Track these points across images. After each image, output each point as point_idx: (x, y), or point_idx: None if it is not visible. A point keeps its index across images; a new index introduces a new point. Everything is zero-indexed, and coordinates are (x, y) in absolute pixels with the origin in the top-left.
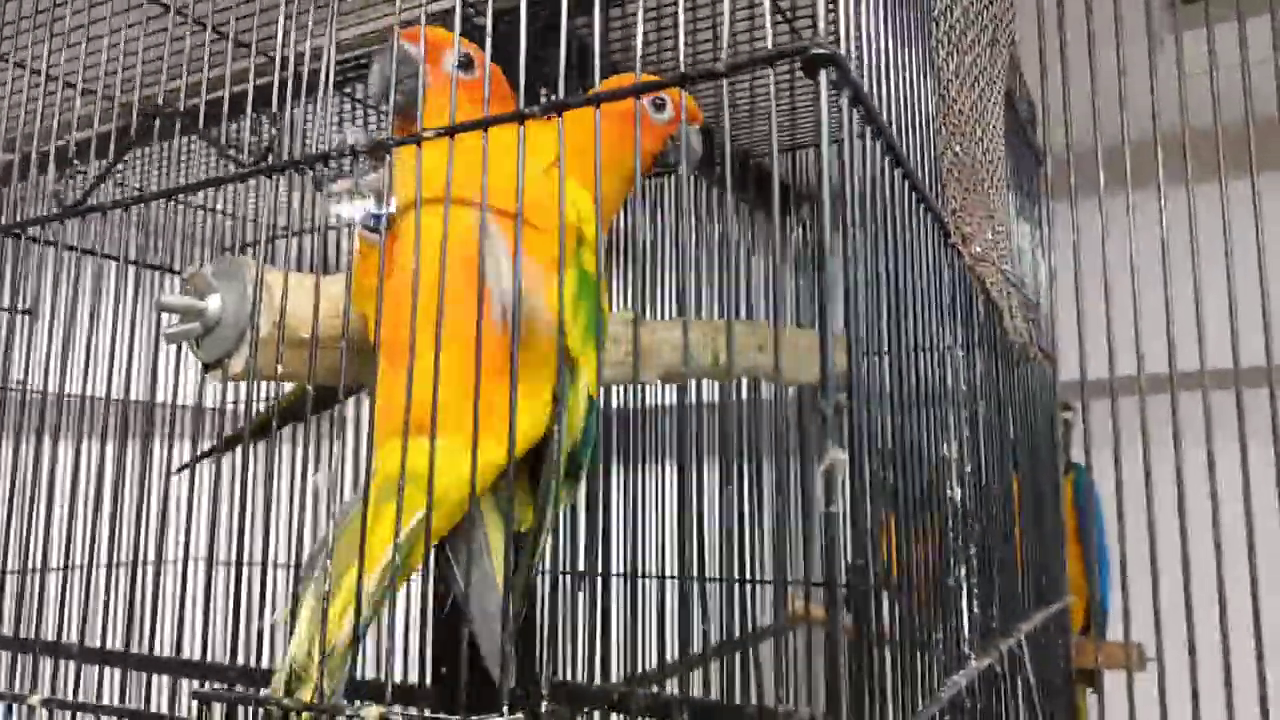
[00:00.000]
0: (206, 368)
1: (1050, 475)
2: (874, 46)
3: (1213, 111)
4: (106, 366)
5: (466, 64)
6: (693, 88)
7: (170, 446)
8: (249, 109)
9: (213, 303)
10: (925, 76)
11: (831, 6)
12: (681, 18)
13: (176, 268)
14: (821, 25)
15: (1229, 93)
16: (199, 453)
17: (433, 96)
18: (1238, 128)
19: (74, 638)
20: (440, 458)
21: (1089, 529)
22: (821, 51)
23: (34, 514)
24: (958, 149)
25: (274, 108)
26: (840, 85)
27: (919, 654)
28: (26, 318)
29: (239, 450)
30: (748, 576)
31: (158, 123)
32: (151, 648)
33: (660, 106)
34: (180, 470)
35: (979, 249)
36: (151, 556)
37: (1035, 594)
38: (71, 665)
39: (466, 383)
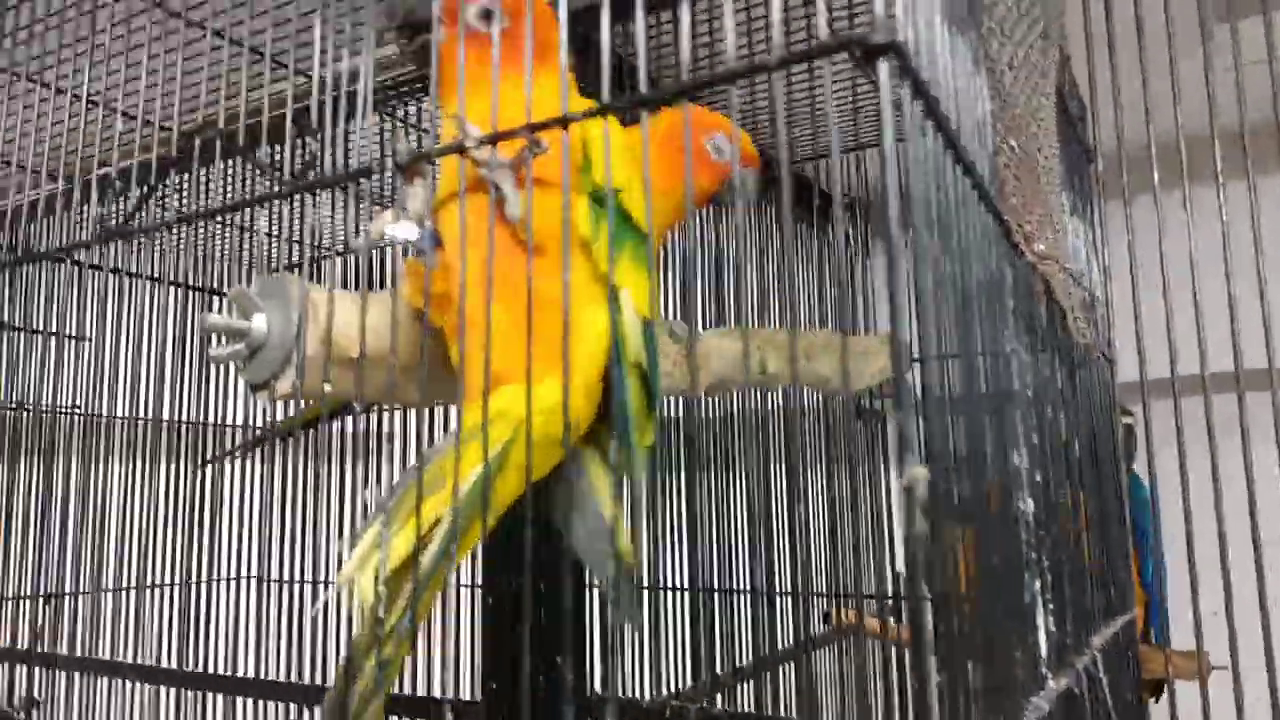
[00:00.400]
0: (254, 388)
1: (1113, 481)
2: (930, 36)
3: (1272, 102)
4: (155, 388)
5: (487, 15)
6: (749, 117)
7: (216, 466)
8: (287, 128)
9: (258, 322)
10: (979, 68)
11: None
12: (730, 12)
13: (221, 289)
14: (879, 11)
15: None
16: (233, 450)
17: (449, 53)
18: None
19: (127, 657)
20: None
21: (1146, 533)
22: (881, 40)
23: (86, 535)
24: (1014, 144)
25: (314, 124)
26: (901, 76)
27: (999, 674)
28: (70, 342)
29: (285, 465)
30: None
31: (198, 143)
32: (206, 665)
33: (720, 150)
34: (211, 462)
35: (1042, 247)
36: (205, 575)
37: (1104, 605)
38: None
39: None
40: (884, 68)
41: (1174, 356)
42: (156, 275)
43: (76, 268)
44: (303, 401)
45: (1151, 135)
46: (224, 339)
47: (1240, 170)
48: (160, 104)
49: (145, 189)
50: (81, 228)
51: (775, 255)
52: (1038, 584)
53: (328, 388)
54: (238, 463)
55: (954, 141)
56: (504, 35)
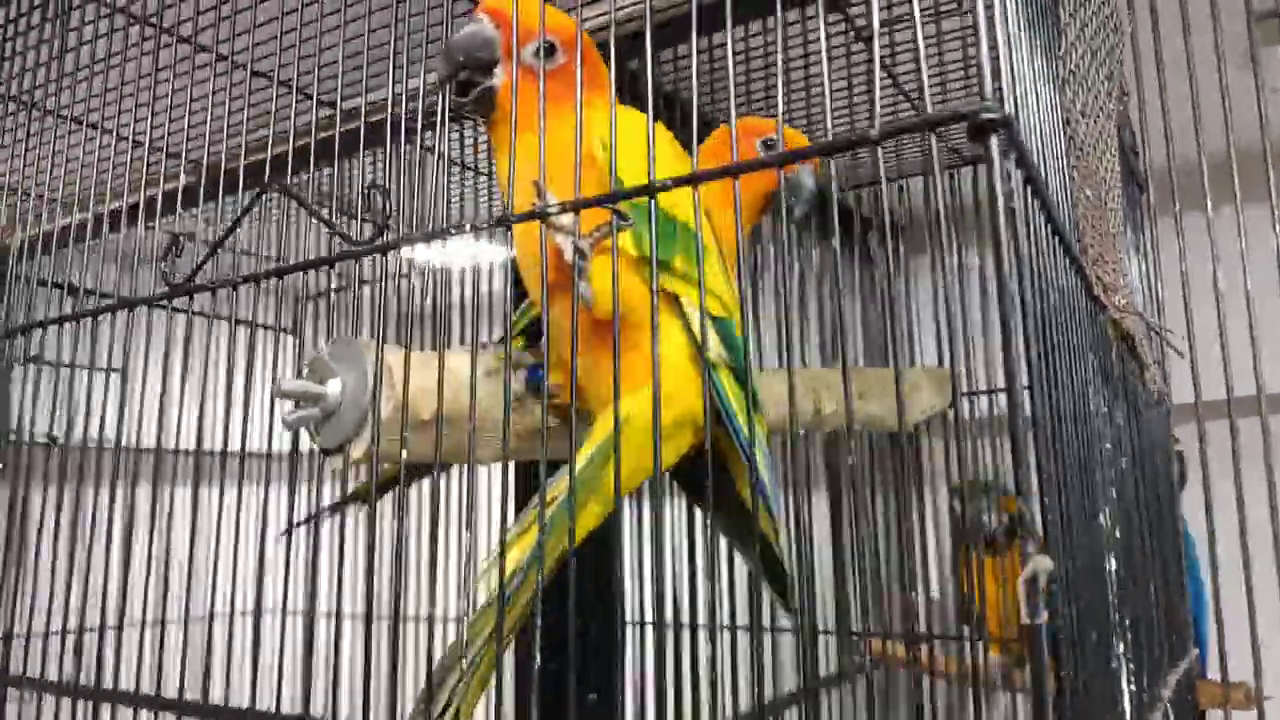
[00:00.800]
0: (326, 453)
1: (1170, 521)
2: (1026, 99)
3: None
4: (223, 422)
5: (550, 51)
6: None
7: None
8: (363, 182)
9: (332, 387)
10: (1057, 120)
11: (993, 58)
12: (828, 85)
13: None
14: (988, 86)
15: None
16: (312, 516)
17: (508, 93)
18: None
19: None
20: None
21: (1193, 564)
22: (994, 117)
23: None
24: (1089, 194)
25: (387, 182)
26: (1008, 149)
27: None
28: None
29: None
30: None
31: (266, 198)
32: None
33: (771, 147)
34: (289, 530)
35: (1122, 300)
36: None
37: (1169, 652)
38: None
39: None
40: (994, 141)
41: (1230, 379)
42: (220, 314)
43: (146, 309)
44: (379, 465)
45: (1202, 160)
46: (297, 403)
47: None
48: (225, 151)
49: (216, 241)
50: (134, 265)
51: (817, 282)
52: (1121, 646)
53: (404, 454)
54: (260, 492)
55: (1048, 205)
56: (561, 70)
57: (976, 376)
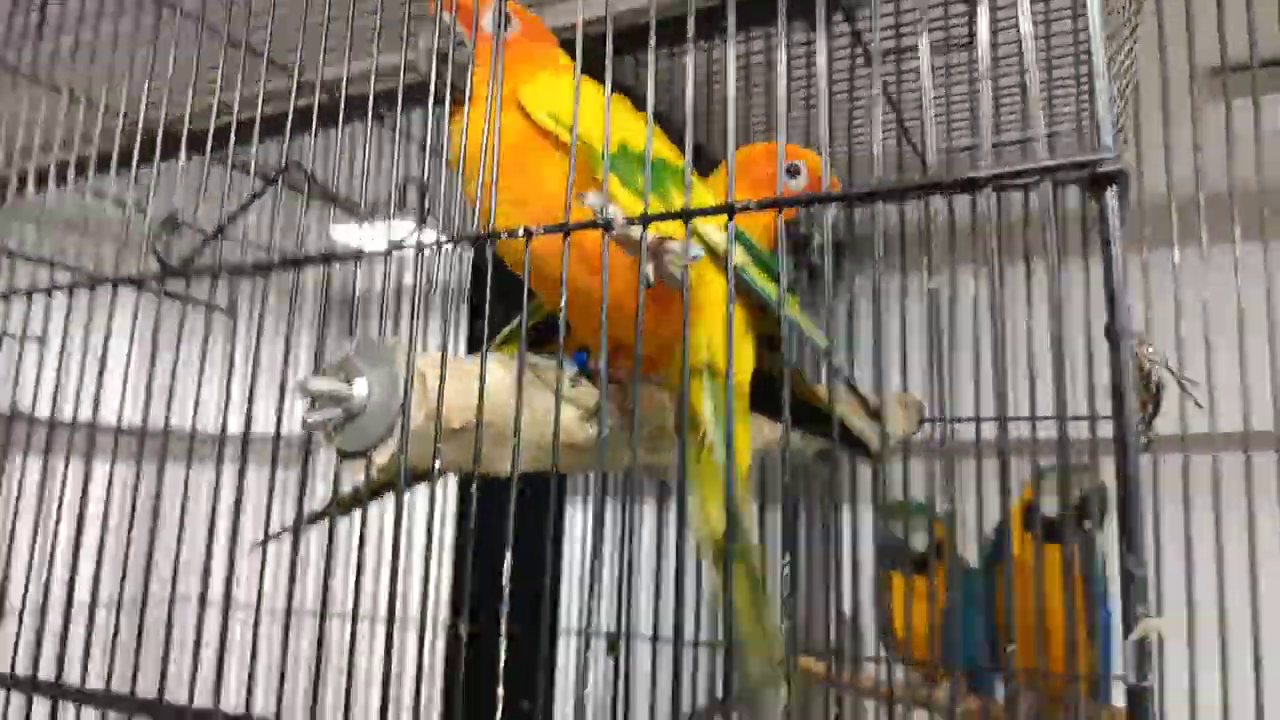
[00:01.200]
0: (343, 456)
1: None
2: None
3: None
4: (222, 405)
5: (506, 21)
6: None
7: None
8: (396, 179)
9: (359, 388)
10: None
11: (1108, 109)
12: (930, 122)
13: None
14: (1107, 136)
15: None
16: (287, 527)
17: (479, 62)
18: None
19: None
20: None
21: (1095, 594)
22: (1113, 169)
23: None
24: None
25: (426, 176)
26: (1121, 199)
27: None
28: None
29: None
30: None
31: (280, 183)
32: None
33: (794, 173)
34: (266, 541)
35: (1150, 349)
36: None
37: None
38: None
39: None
40: (1110, 193)
41: (1183, 415)
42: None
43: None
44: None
45: (1200, 189)
46: (313, 402)
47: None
48: (234, 137)
49: (218, 227)
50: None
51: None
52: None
53: (438, 464)
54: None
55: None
56: (514, 41)
57: (937, 404)
